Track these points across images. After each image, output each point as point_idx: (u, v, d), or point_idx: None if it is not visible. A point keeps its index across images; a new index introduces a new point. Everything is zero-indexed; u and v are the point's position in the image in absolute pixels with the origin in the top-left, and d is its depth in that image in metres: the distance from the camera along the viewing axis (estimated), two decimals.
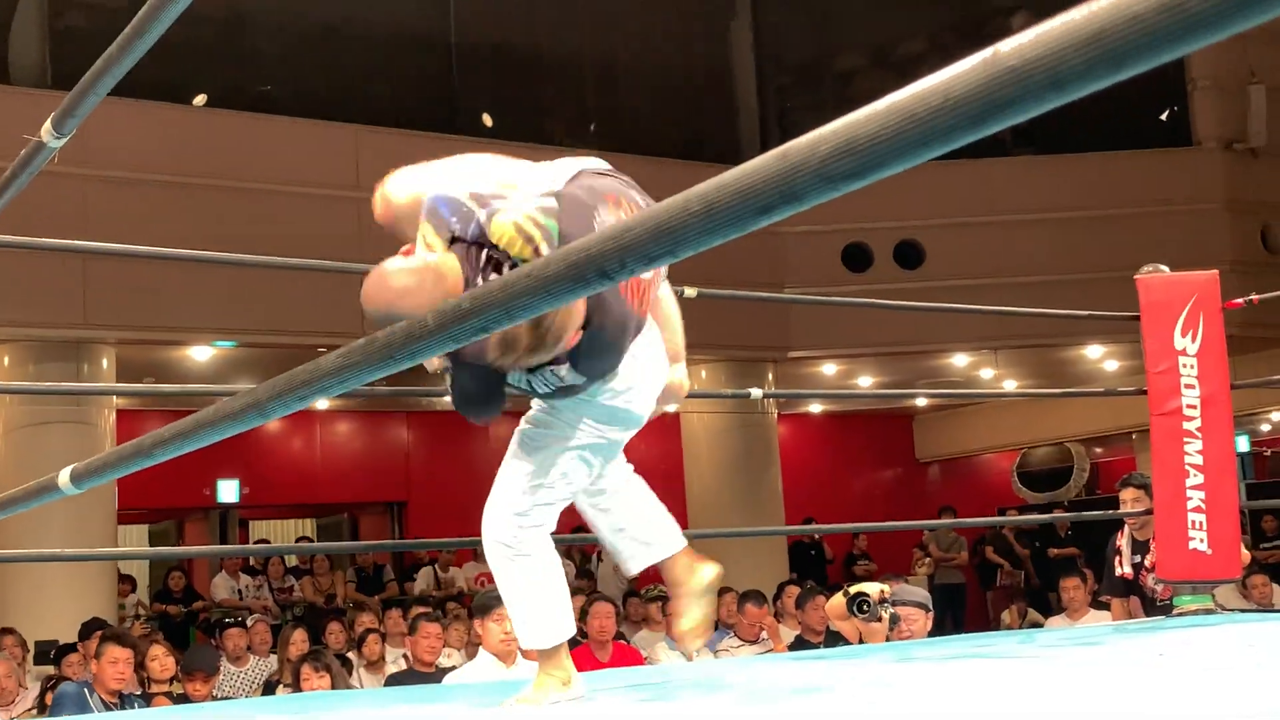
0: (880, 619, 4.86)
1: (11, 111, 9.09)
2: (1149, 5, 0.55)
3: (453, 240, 2.59)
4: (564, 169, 2.76)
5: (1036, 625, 9.96)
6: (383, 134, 11.06)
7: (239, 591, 11.63)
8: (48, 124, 2.16)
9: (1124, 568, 6.16)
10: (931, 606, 5.32)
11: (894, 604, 4.99)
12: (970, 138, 0.70)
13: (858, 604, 4.87)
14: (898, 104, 0.74)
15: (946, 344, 12.58)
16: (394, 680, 6.65)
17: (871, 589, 5.09)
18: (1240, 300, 5.12)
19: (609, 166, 2.86)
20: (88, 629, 7.91)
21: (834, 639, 6.83)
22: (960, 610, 13.72)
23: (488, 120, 12.59)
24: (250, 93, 11.35)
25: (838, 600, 5.08)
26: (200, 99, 11.13)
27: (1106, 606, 7.68)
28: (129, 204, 9.59)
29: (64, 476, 1.73)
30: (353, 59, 11.73)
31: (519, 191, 2.65)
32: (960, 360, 13.31)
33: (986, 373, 13.91)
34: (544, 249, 2.50)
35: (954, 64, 0.69)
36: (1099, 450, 16.46)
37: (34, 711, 6.91)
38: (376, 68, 11.87)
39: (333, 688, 5.95)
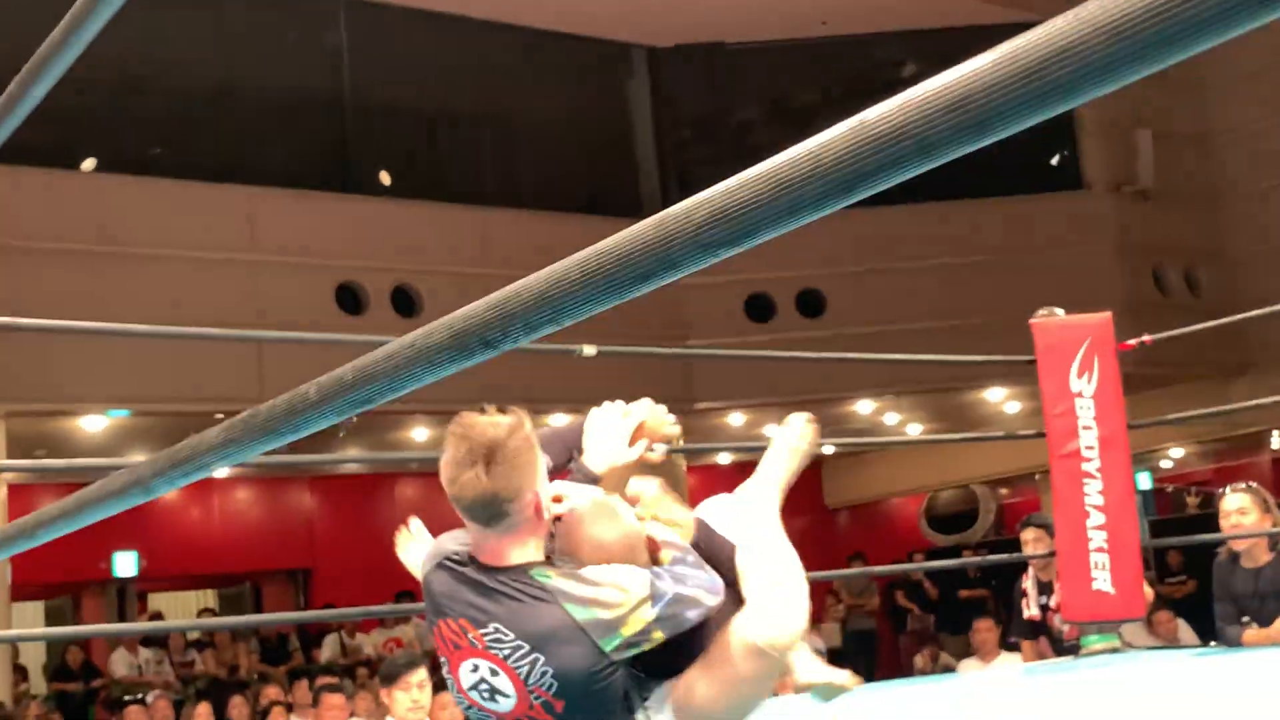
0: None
1: None
2: (1009, 72, 0.55)
3: None
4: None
5: (949, 669, 10.02)
6: (278, 195, 10.96)
7: (139, 667, 11.32)
8: None
9: (1031, 609, 6.23)
10: (823, 649, 5.35)
11: None
12: (840, 204, 0.70)
13: None
14: (768, 171, 0.73)
15: (850, 391, 12.69)
16: None
17: None
18: (1134, 341, 5.22)
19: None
20: None
21: None
22: (873, 656, 13.77)
23: (385, 179, 12.54)
24: (140, 156, 11.19)
25: None
26: (89, 163, 10.95)
27: (1017, 648, 7.76)
28: (16, 271, 9.38)
29: None
30: (245, 121, 11.62)
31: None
32: (865, 406, 13.44)
33: (891, 418, 14.07)
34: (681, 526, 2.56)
35: (824, 130, 0.69)
36: (1004, 491, 16.69)
37: None
38: (270, 129, 11.77)
39: None
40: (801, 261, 12.11)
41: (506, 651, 2.20)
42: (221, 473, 12.78)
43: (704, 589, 2.35)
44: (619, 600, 2.21)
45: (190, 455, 1.26)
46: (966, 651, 10.54)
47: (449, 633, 2.27)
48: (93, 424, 10.55)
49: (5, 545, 1.62)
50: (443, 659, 2.31)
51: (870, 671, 12.95)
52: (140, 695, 8.69)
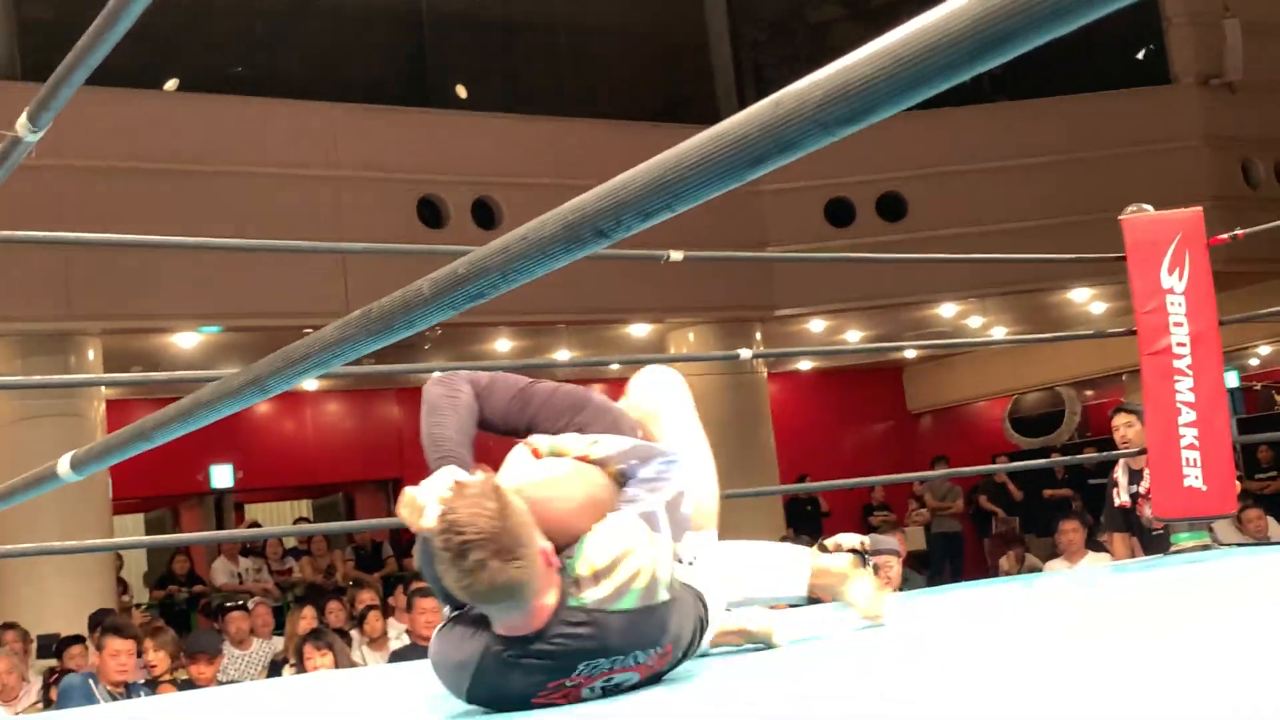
0: None
1: None
2: None
3: None
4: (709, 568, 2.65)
5: (1034, 570, 10.00)
6: (357, 111, 11.01)
7: (238, 575, 11.64)
8: (23, 118, 2.14)
9: (1122, 496, 6.25)
10: (902, 552, 5.46)
11: (871, 554, 5.05)
12: (964, 76, 0.70)
13: None
14: (891, 45, 0.73)
15: (933, 294, 12.58)
16: (398, 656, 6.67)
17: (849, 542, 5.13)
18: (1225, 236, 5.11)
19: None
20: (96, 620, 7.91)
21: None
22: (958, 559, 13.79)
23: (462, 92, 12.53)
24: (221, 75, 11.27)
25: None
26: (171, 84, 11.05)
27: (1104, 548, 7.73)
28: (106, 193, 9.53)
29: (63, 464, 1.73)
30: (323, 36, 11.65)
31: (678, 546, 2.54)
32: (948, 310, 13.32)
33: (974, 321, 13.93)
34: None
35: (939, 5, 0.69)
36: (1090, 393, 16.51)
37: (39, 706, 6.92)
38: (348, 44, 11.79)
39: (335, 665, 5.96)
40: (882, 164, 11.96)
41: (604, 667, 2.23)
42: (311, 385, 13.00)
43: (664, 470, 2.39)
44: (638, 568, 2.22)
45: (306, 353, 1.29)
46: (1052, 553, 10.52)
47: (546, 696, 2.24)
48: (185, 340, 10.75)
49: (123, 448, 1.66)
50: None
51: (956, 574, 12.99)
52: (241, 602, 8.94)
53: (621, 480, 2.37)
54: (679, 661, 2.36)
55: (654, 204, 0.90)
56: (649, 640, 2.25)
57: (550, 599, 2.17)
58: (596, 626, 2.19)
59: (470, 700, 2.25)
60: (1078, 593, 4.05)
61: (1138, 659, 2.01)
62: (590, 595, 2.20)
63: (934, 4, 0.72)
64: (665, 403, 2.79)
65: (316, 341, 1.28)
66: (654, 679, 2.32)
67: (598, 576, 2.21)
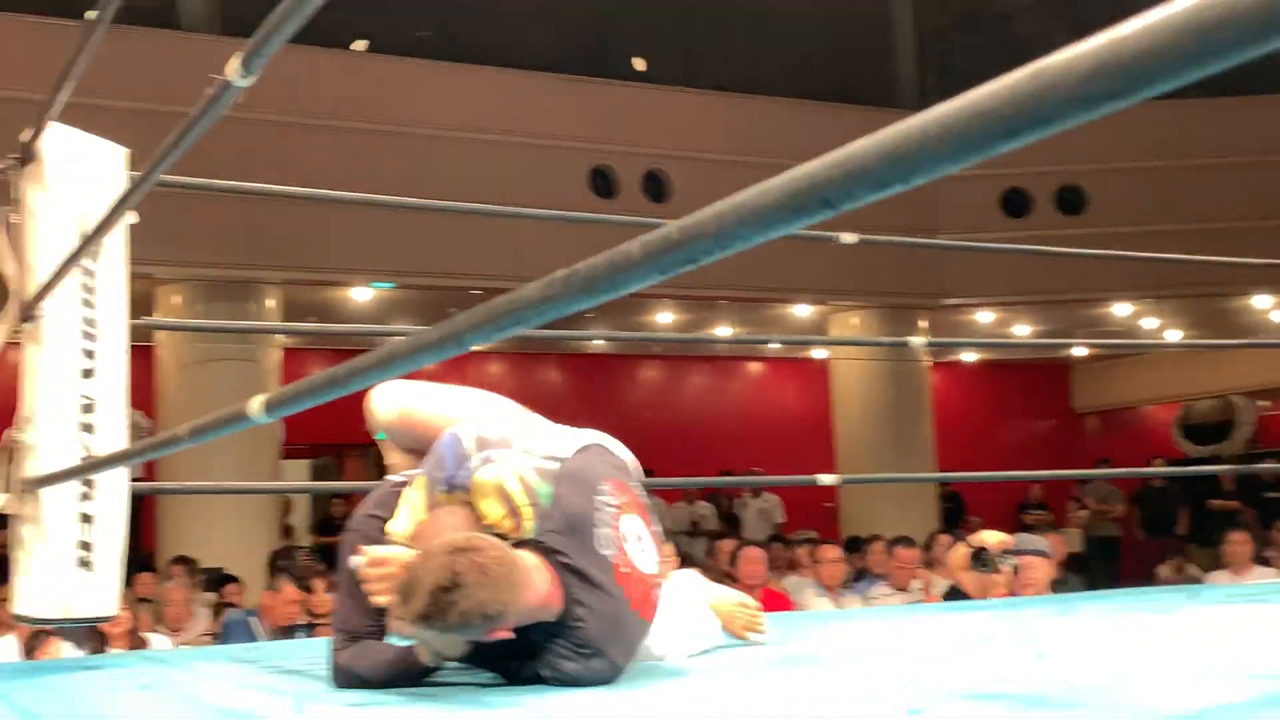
0: (999, 570, 4.79)
1: (184, 57, 9.35)
2: None
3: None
4: (573, 439, 2.41)
5: (1195, 580, 9.69)
6: (537, 78, 11.12)
7: None
8: (235, 63, 2.18)
9: None
10: (1051, 553, 5.23)
11: (1014, 553, 4.93)
12: (1258, 51, 0.65)
13: (979, 558, 4.81)
14: (1170, 18, 0.69)
15: (1107, 292, 12.24)
16: None
17: (991, 539, 5.03)
18: None
19: (617, 447, 2.49)
20: (274, 560, 8.19)
21: (955, 594, 6.73)
22: (1115, 563, 13.43)
23: (639, 64, 12.56)
24: (407, 38, 11.48)
25: (959, 554, 5.02)
26: (360, 44, 11.30)
27: (1268, 564, 7.45)
28: (292, 148, 9.81)
29: (255, 406, 1.77)
30: (508, 4, 11.78)
31: (524, 444, 2.35)
32: (1122, 309, 12.95)
33: (1149, 322, 13.52)
34: (525, 520, 2.18)
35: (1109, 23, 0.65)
36: (1264, 404, 15.90)
37: (209, 639, 7.16)
38: (530, 13, 11.90)
39: None
40: (1063, 155, 11.65)
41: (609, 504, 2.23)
42: (474, 346, 13.20)
43: (452, 457, 2.31)
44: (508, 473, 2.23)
45: (508, 310, 1.29)
46: (1215, 564, 10.16)
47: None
48: (360, 295, 11.01)
49: (316, 393, 1.69)
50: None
51: (1113, 579, 12.65)
52: None
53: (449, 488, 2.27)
54: None
55: (888, 175, 0.87)
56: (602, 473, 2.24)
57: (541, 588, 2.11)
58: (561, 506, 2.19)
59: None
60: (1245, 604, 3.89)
61: None
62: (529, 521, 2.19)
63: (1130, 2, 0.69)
64: (409, 401, 2.71)
65: (519, 300, 1.28)
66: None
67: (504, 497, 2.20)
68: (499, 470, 2.24)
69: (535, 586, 2.08)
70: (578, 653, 2.12)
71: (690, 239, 1.06)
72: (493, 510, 2.21)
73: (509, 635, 2.06)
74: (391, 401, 2.70)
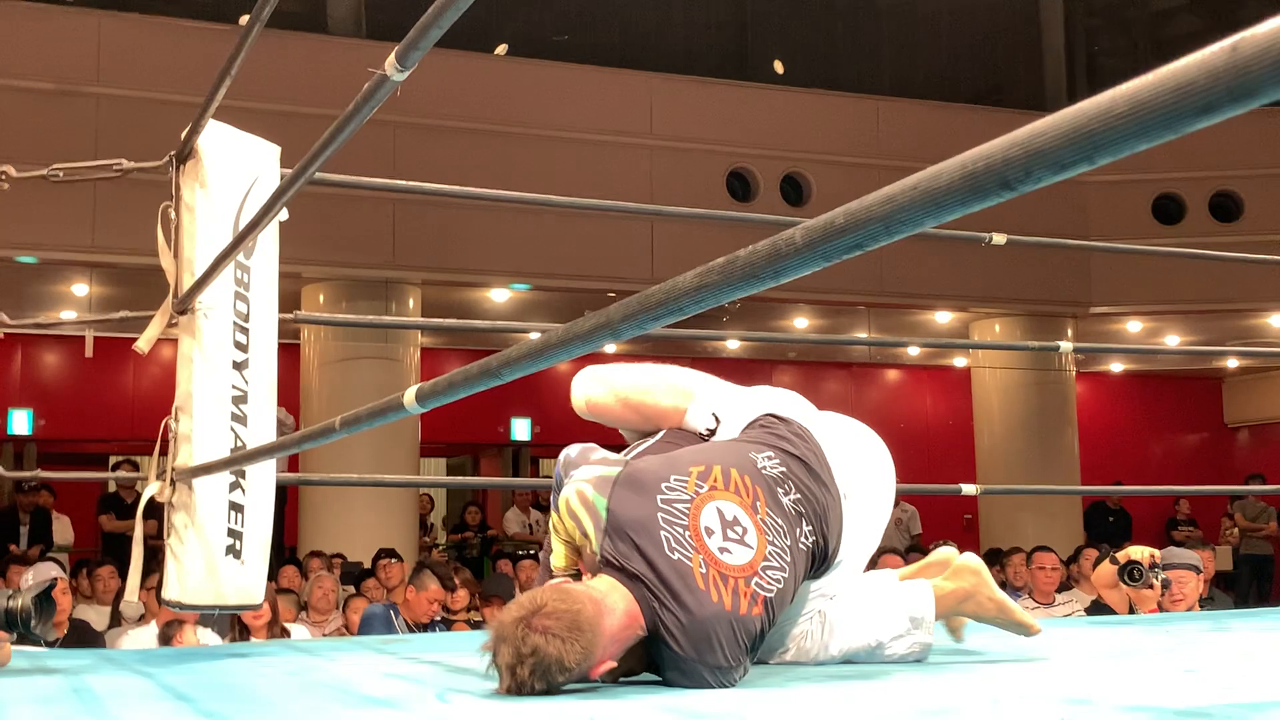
0: (1152, 585, 4.63)
1: (330, 60, 9.55)
2: None
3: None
4: (749, 410, 2.41)
5: None
6: (676, 81, 11.13)
7: (529, 525, 12.02)
8: (391, 58, 2.21)
9: None
10: (1202, 569, 5.05)
11: (1164, 568, 4.76)
12: None
13: (1129, 572, 4.65)
14: None
15: (1263, 302, 11.84)
16: None
17: (1139, 554, 4.88)
18: None
19: (801, 412, 2.44)
20: (377, 558, 8.31)
21: (1099, 608, 6.54)
22: (1267, 583, 12.98)
23: (779, 67, 12.50)
24: (548, 42, 11.59)
25: (1105, 569, 4.87)
26: (502, 48, 11.43)
27: None
28: (435, 150, 9.95)
29: (409, 396, 1.78)
30: (647, 7, 11.82)
31: (595, 456, 2.38)
32: (1277, 320, 12.51)
33: None
34: (589, 536, 2.15)
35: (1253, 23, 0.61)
36: None
37: (342, 630, 7.29)
38: (671, 15, 11.93)
39: None
40: (1218, 161, 11.31)
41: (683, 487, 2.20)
42: (610, 347, 13.27)
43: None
44: (569, 494, 2.26)
45: (663, 300, 1.27)
46: None
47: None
48: (497, 295, 11.14)
49: (469, 384, 1.69)
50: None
51: (1263, 598, 12.24)
52: (533, 551, 9.23)
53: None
54: None
55: (1072, 155, 0.84)
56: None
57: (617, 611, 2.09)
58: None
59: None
60: None
61: None
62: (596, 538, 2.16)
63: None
64: (625, 381, 2.68)
65: (674, 288, 1.26)
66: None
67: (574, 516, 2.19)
68: (567, 489, 2.25)
69: (614, 612, 2.06)
70: (679, 668, 2.10)
71: (857, 225, 1.03)
72: (573, 530, 2.21)
73: (613, 664, 2.06)
74: (603, 386, 2.70)
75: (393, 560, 7.95)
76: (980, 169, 0.90)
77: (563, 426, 15.65)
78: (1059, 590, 7.35)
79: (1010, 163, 0.88)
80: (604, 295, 9.65)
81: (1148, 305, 11.99)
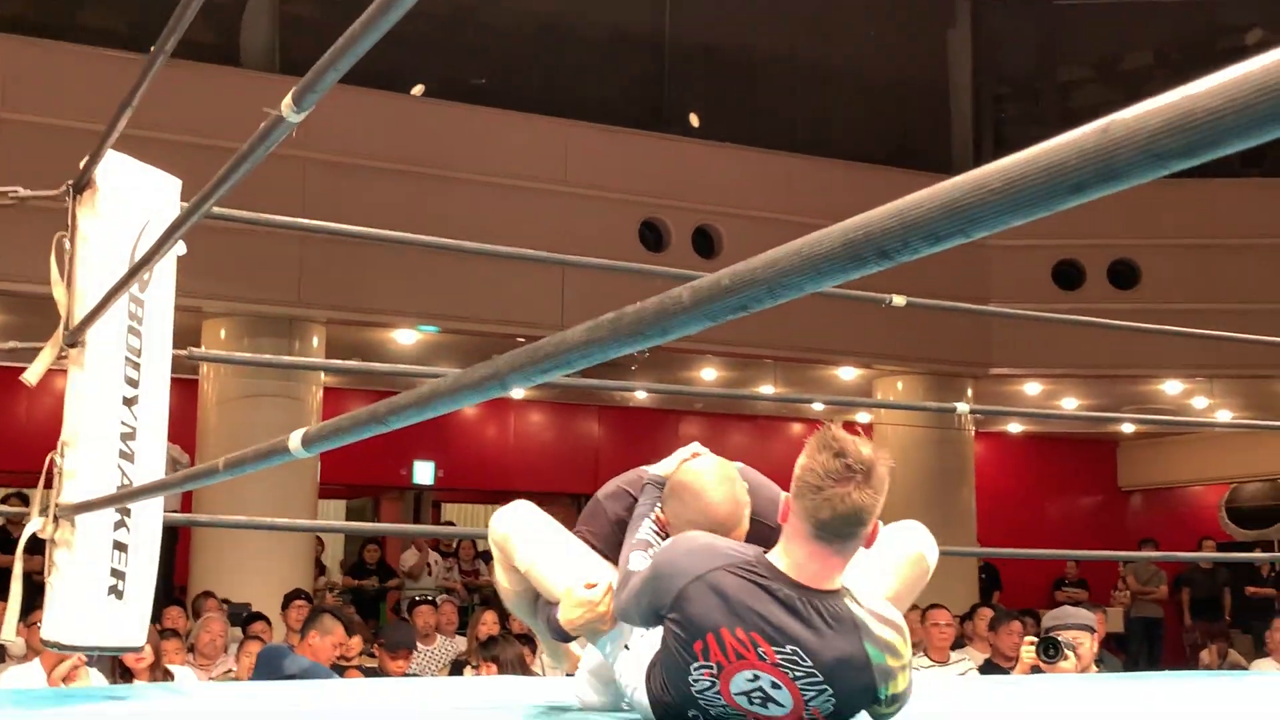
0: (1067, 657, 4.68)
1: (242, 93, 9.45)
2: None
3: None
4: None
5: (1237, 667, 9.51)
6: (592, 129, 11.17)
7: (428, 565, 11.91)
8: (288, 99, 2.18)
9: None
10: (1096, 628, 5.10)
11: (1061, 628, 4.83)
12: None
13: (1045, 649, 4.69)
14: (1245, 76, 0.67)
15: (1159, 369, 12.11)
16: None
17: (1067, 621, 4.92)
18: None
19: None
20: (289, 599, 8.17)
21: (992, 667, 6.60)
22: (1157, 645, 13.20)
23: (695, 120, 12.61)
24: (465, 85, 11.59)
25: (1027, 648, 4.88)
26: (418, 89, 11.41)
27: None
28: (345, 187, 9.88)
29: (295, 440, 1.75)
30: (567, 55, 11.88)
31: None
32: (1172, 387, 12.80)
33: (1199, 401, 13.35)
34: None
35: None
36: None
37: (232, 674, 7.15)
38: (590, 65, 12.00)
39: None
40: (1118, 230, 11.59)
41: (799, 674, 2.21)
42: (518, 394, 13.22)
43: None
44: (903, 650, 2.27)
45: (551, 353, 1.27)
46: (1257, 651, 9.96)
47: (734, 642, 2.23)
48: (404, 337, 11.05)
49: (356, 429, 1.68)
50: (706, 663, 2.26)
51: (1154, 661, 12.44)
52: (431, 597, 9.11)
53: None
54: None
55: (947, 228, 0.85)
56: (835, 667, 2.22)
57: (842, 574, 2.29)
58: (841, 626, 2.24)
59: (677, 598, 2.27)
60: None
61: None
62: (863, 614, 2.27)
63: (1190, 78, 0.67)
64: (516, 533, 2.76)
65: (563, 342, 1.26)
66: None
67: (879, 616, 2.29)
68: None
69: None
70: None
71: (742, 286, 1.04)
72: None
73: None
74: (505, 524, 2.74)
75: (305, 603, 7.85)
76: (859, 238, 0.91)
77: (467, 471, 15.62)
78: (953, 648, 7.42)
79: (888, 233, 0.89)
80: (513, 340, 9.62)
81: (1046, 368, 12.21)
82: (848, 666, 2.20)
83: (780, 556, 2.27)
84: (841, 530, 2.20)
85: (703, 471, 2.47)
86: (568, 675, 2.82)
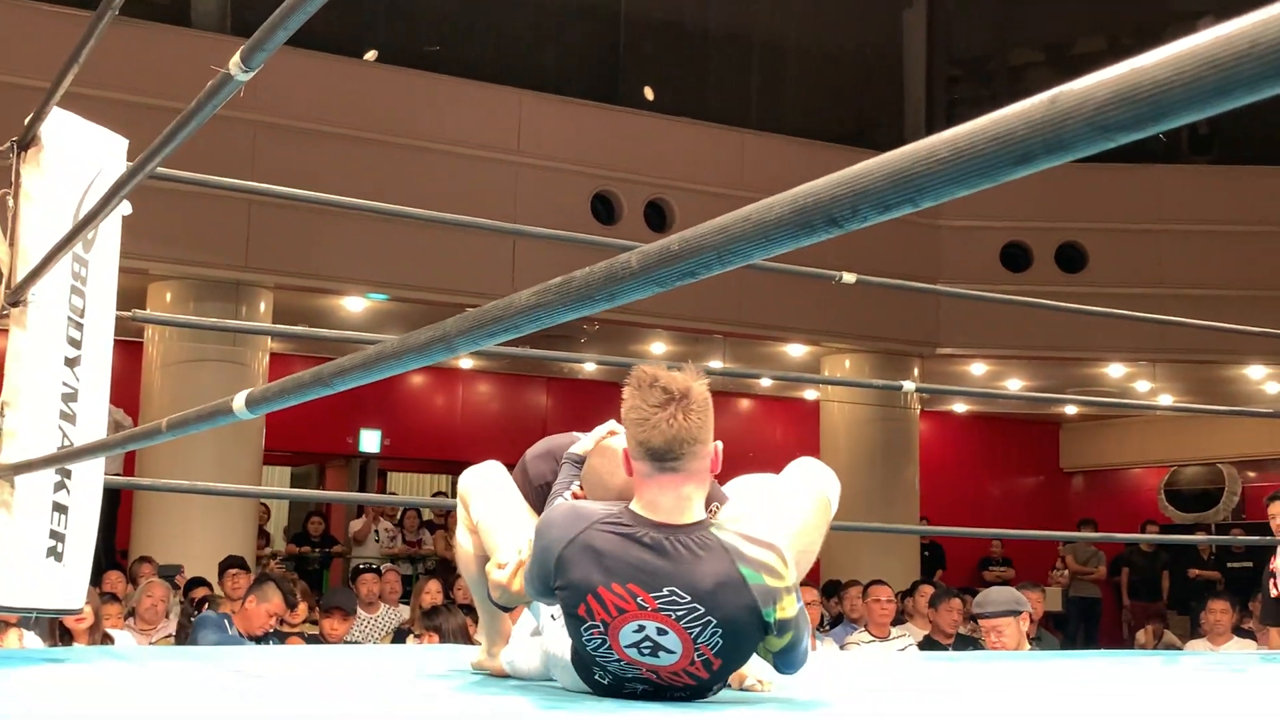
0: None
1: (192, 54, 9.33)
2: None
3: None
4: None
5: (1172, 647, 9.66)
6: (546, 100, 11.12)
7: (376, 533, 11.88)
8: (236, 58, 2.16)
9: (1279, 589, 5.96)
10: (1027, 608, 5.09)
11: (979, 618, 4.87)
12: (1275, 90, 0.63)
13: None
14: (1193, 49, 0.68)
15: (1103, 352, 12.25)
16: None
17: None
18: None
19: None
20: (223, 567, 8.12)
21: (964, 643, 6.68)
22: (1094, 626, 13.39)
23: (649, 94, 12.59)
24: (419, 52, 11.49)
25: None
26: (371, 55, 11.30)
27: (1251, 635, 7.40)
28: (295, 152, 9.79)
29: (239, 401, 1.74)
30: (522, 24, 11.81)
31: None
32: (1116, 370, 12.95)
33: (1142, 385, 13.52)
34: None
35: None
36: (1251, 474, 15.89)
37: (172, 639, 7.10)
38: (545, 34, 11.93)
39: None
40: (1066, 213, 11.69)
41: (680, 613, 2.22)
42: (465, 363, 13.17)
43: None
44: (782, 571, 2.26)
45: (499, 316, 1.27)
46: (1193, 632, 10.13)
47: (612, 597, 2.24)
48: (352, 304, 10.98)
49: (300, 391, 1.66)
50: (593, 622, 2.27)
51: (1091, 640, 12.62)
52: (375, 565, 9.09)
53: None
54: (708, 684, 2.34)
55: (895, 197, 0.85)
56: (710, 594, 2.23)
57: (699, 503, 2.30)
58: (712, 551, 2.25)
59: (557, 565, 2.30)
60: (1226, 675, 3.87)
61: None
62: (731, 537, 2.27)
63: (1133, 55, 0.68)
64: (476, 492, 2.81)
65: (510, 305, 1.25)
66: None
67: (750, 539, 2.29)
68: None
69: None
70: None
71: (691, 252, 1.04)
72: None
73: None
74: (469, 480, 2.80)
75: (241, 571, 7.81)
76: (809, 204, 0.91)
77: (413, 439, 15.57)
78: (894, 624, 7.48)
79: (838, 200, 0.89)
80: (463, 309, 9.49)
81: (992, 349, 12.31)
82: (725, 590, 2.21)
83: (637, 503, 2.30)
84: (677, 452, 2.23)
85: (619, 449, 2.46)
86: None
